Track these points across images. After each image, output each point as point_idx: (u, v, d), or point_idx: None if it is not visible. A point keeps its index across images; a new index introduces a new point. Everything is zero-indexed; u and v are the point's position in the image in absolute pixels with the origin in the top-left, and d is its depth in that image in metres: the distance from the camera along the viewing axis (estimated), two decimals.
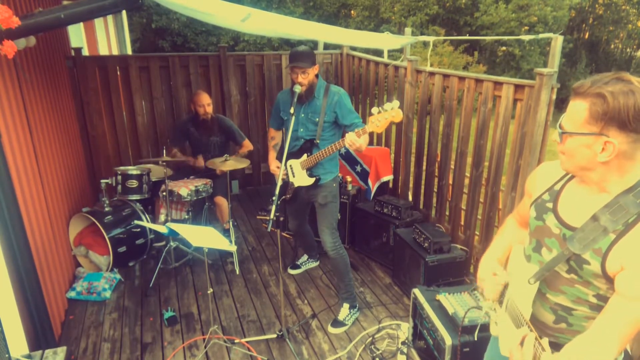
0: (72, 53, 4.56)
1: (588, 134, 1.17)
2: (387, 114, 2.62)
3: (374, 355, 2.89)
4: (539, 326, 1.42)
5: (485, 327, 1.83)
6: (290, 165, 3.07)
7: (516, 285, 1.45)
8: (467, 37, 13.07)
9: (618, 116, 1.11)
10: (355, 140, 2.65)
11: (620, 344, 1.19)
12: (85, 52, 6.63)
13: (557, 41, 2.76)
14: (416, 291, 2.74)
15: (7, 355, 2.10)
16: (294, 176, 3.08)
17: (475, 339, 2.26)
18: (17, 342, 2.55)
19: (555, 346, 1.39)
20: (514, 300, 1.44)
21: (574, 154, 1.23)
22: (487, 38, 14.00)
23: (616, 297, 1.19)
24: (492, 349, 1.67)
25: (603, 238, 1.20)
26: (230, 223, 4.00)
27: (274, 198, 2.65)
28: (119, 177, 3.81)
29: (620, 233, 1.18)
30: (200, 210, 4.17)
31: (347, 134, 2.68)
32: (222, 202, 3.99)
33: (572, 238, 1.26)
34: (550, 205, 1.37)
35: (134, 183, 3.82)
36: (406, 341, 2.85)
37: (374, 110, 2.64)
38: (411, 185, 4.47)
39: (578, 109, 1.18)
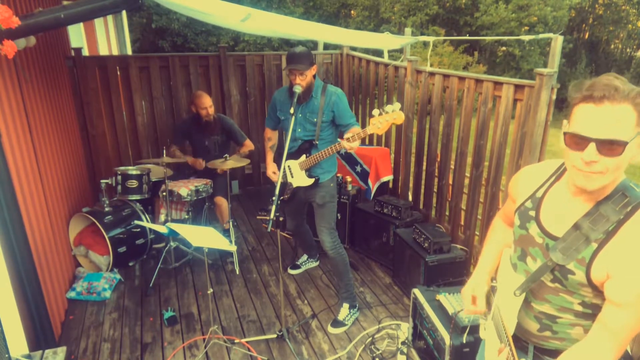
0: (72, 53, 4.56)
1: None
2: (388, 116, 2.61)
3: (374, 355, 2.89)
4: (524, 334, 1.42)
5: (476, 329, 1.83)
6: (289, 166, 3.06)
7: (503, 294, 1.44)
8: (467, 38, 13.08)
9: None
10: (346, 145, 2.71)
11: (616, 351, 1.19)
12: (85, 52, 6.64)
13: (557, 41, 2.76)
14: (416, 291, 2.74)
15: (7, 355, 2.10)
16: (292, 177, 3.07)
17: (464, 341, 2.26)
18: (17, 342, 2.55)
19: (541, 350, 1.39)
20: (499, 310, 1.43)
21: (624, 162, 1.13)
22: (487, 38, 14.01)
23: (607, 304, 1.19)
24: (482, 352, 1.67)
25: (585, 247, 1.20)
26: (230, 223, 4.00)
27: (273, 198, 2.65)
28: (119, 177, 3.81)
29: (602, 242, 1.18)
30: (200, 210, 4.17)
31: (341, 142, 2.74)
32: (222, 202, 3.99)
33: (555, 248, 1.25)
34: (532, 213, 1.35)
35: (134, 183, 3.82)
36: (406, 341, 2.85)
37: (375, 112, 2.63)
38: (411, 185, 4.47)
39: (624, 113, 1.10)
